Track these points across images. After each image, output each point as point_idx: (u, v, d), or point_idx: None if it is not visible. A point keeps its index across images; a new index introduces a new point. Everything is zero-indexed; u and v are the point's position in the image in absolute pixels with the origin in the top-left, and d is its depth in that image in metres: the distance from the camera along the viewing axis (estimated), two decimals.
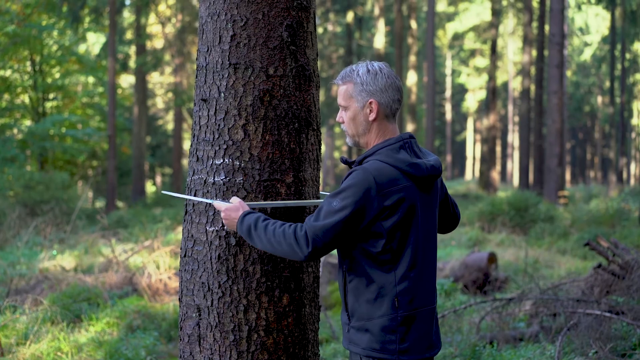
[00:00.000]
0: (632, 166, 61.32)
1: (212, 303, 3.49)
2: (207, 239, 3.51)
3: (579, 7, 55.09)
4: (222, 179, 3.48)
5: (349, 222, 3.10)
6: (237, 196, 3.45)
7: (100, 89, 32.85)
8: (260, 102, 3.47)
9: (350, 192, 3.09)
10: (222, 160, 3.48)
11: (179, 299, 3.68)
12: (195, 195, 3.58)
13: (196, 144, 3.60)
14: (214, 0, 3.55)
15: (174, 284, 10.10)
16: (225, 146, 3.48)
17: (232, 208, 3.34)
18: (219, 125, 3.50)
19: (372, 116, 3.28)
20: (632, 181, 57.26)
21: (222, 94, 3.50)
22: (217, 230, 3.48)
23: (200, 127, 3.58)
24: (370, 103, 3.27)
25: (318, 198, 3.74)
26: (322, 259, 10.52)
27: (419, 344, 3.23)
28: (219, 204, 3.40)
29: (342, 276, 3.30)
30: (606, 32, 56.10)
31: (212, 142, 3.52)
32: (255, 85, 3.47)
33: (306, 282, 3.61)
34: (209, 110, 3.54)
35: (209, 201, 3.49)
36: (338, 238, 3.12)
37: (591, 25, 64.27)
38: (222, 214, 3.36)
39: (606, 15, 55.58)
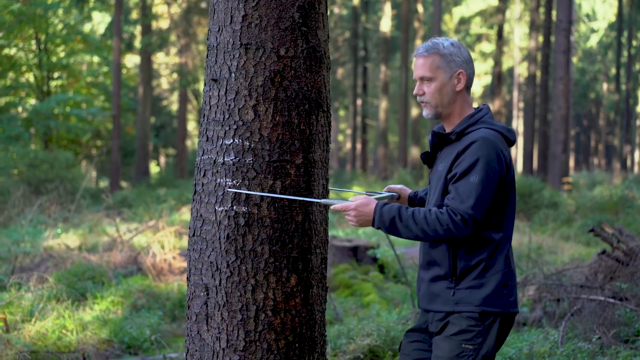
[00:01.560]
0: (636, 153, 61.24)
1: (220, 282, 3.50)
2: (216, 218, 3.52)
3: None
4: (231, 159, 3.48)
5: (490, 190, 3.33)
6: (247, 176, 3.46)
7: (105, 69, 32.82)
8: (271, 83, 3.47)
9: (482, 163, 3.32)
10: (232, 141, 3.49)
11: (187, 278, 3.70)
12: (204, 176, 3.58)
13: (206, 124, 3.60)
14: None
15: (179, 263, 10.12)
16: (235, 126, 3.48)
17: (362, 203, 3.41)
18: (229, 105, 3.50)
19: (459, 86, 3.51)
20: (636, 168, 57.22)
21: (233, 74, 3.50)
22: (226, 210, 3.49)
23: (210, 107, 3.58)
24: (459, 74, 3.50)
25: (327, 180, 3.74)
26: None
27: (517, 298, 3.52)
28: (342, 203, 3.44)
29: (448, 243, 3.44)
30: (613, 18, 55.89)
31: (222, 122, 3.52)
32: (266, 65, 3.47)
33: (314, 263, 3.63)
34: (219, 91, 3.54)
35: (327, 201, 3.52)
36: (486, 207, 3.34)
37: (598, 11, 64.01)
38: (353, 212, 3.40)
39: (613, 2, 55.38)
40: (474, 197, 3.29)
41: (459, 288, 3.42)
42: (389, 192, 3.93)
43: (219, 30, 3.57)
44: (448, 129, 3.59)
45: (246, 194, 3.45)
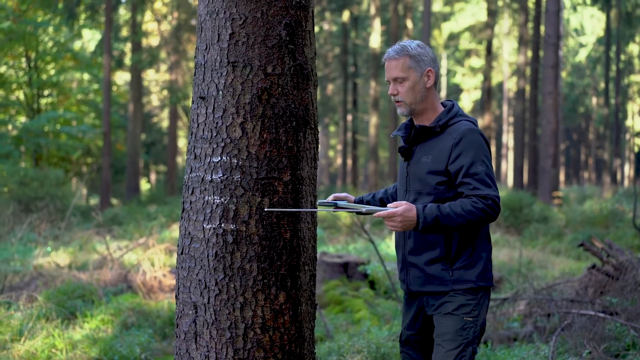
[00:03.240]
0: (626, 167, 61.43)
1: (209, 300, 3.50)
2: (204, 236, 3.52)
3: (574, 8, 55.15)
4: (219, 177, 3.49)
5: (493, 171, 3.73)
6: (235, 194, 3.47)
7: (96, 86, 32.80)
8: (259, 101, 3.48)
9: (482, 151, 3.72)
10: (219, 158, 3.50)
11: (176, 296, 3.69)
12: (192, 194, 3.59)
13: (194, 142, 3.61)
14: None
15: (169, 281, 10.09)
16: (223, 144, 3.49)
17: (406, 208, 3.59)
18: (217, 123, 3.51)
19: (429, 83, 3.84)
20: (626, 182, 57.37)
21: (221, 92, 3.51)
22: (214, 228, 3.49)
23: (198, 124, 3.59)
24: (428, 72, 3.84)
25: (315, 197, 3.76)
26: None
27: None
28: (387, 211, 3.59)
29: None
30: (601, 33, 56.14)
31: (210, 140, 3.53)
32: (253, 83, 3.48)
33: (303, 280, 3.63)
34: (207, 108, 3.55)
35: (369, 208, 3.70)
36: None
37: (586, 26, 64.29)
38: (399, 217, 3.57)
39: (601, 17, 55.64)
40: (490, 181, 3.68)
41: (454, 268, 3.76)
42: (335, 200, 4.05)
43: (206, 48, 3.58)
44: (423, 123, 3.91)
45: (234, 211, 3.46)
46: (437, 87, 3.93)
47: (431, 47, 36.07)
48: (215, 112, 3.52)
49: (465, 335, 3.72)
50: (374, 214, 3.63)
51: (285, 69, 3.53)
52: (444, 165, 3.74)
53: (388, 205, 3.64)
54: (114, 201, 31.91)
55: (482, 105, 39.61)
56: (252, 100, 3.48)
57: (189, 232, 3.59)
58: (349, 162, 43.18)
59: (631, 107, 56.98)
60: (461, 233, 3.74)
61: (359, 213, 3.91)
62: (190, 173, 3.62)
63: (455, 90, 62.96)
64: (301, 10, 3.60)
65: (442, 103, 3.96)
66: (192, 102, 3.66)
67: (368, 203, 4.23)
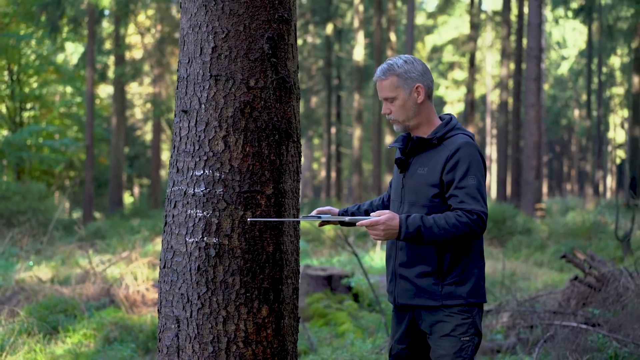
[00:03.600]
0: (609, 179, 61.76)
1: (191, 314, 3.49)
2: (186, 250, 3.51)
3: (556, 21, 55.49)
4: (202, 190, 3.49)
5: (484, 187, 3.72)
6: (217, 207, 3.47)
7: (78, 99, 32.70)
8: (241, 114, 3.48)
9: (475, 165, 3.70)
10: (202, 172, 3.49)
11: (158, 310, 3.68)
12: (175, 207, 3.58)
13: (176, 155, 3.60)
14: (195, 12, 3.57)
15: (152, 295, 10.05)
16: (205, 157, 3.49)
17: (389, 217, 3.60)
18: (199, 136, 3.51)
19: (420, 99, 3.85)
20: (609, 194, 57.66)
21: (203, 106, 3.51)
22: (196, 242, 3.49)
23: (180, 138, 3.59)
24: (417, 87, 3.84)
25: (297, 210, 3.76)
26: (301, 270, 10.51)
27: None
28: (369, 219, 3.61)
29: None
30: (583, 46, 56.53)
31: (192, 154, 3.52)
32: (236, 97, 3.48)
33: (286, 294, 3.62)
34: (189, 122, 3.55)
35: (351, 218, 3.75)
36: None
37: (568, 39, 64.76)
38: (382, 226, 3.59)
39: (583, 30, 56.01)
40: (480, 196, 3.67)
41: (445, 283, 3.76)
42: (318, 214, 4.04)
43: (188, 61, 3.58)
44: (421, 135, 3.91)
45: (216, 225, 3.45)
46: (431, 98, 3.93)
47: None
48: (198, 126, 3.52)
49: (463, 356, 3.74)
50: (357, 223, 3.65)
51: (267, 82, 3.53)
52: (438, 177, 3.75)
53: (371, 214, 3.65)
54: (97, 215, 31.76)
55: (465, 118, 39.73)
56: (234, 114, 3.48)
57: (172, 246, 3.59)
58: (333, 174, 43.21)
59: (613, 119, 57.37)
60: (453, 248, 3.74)
61: (342, 223, 3.94)
62: (173, 186, 3.62)
63: (439, 103, 63.17)
64: (283, 23, 3.61)
65: (440, 116, 3.97)
66: (175, 115, 3.66)
67: (353, 214, 4.21)
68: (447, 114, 3.97)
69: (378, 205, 4.28)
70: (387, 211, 3.64)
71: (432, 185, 3.76)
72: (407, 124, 3.89)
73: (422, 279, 3.78)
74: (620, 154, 59.47)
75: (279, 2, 3.58)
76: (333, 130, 42.45)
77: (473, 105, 35.49)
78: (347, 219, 3.75)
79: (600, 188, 54.55)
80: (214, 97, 3.49)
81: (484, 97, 59.48)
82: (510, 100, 34.51)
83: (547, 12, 53.17)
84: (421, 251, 3.78)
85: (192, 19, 3.57)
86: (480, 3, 37.42)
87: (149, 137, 46.96)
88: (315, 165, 61.11)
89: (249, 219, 3.47)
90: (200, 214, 3.49)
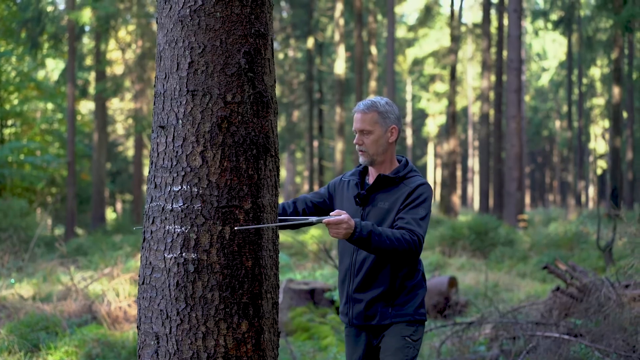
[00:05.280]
0: (590, 189, 62.09)
1: (171, 330, 3.47)
2: (165, 266, 3.50)
3: (536, 33, 55.82)
4: (180, 206, 3.47)
5: (428, 221, 4.15)
6: (196, 223, 3.46)
7: (60, 116, 32.61)
8: (219, 129, 3.47)
9: (429, 201, 4.16)
10: (180, 187, 3.48)
11: (137, 327, 3.66)
12: (153, 223, 3.57)
13: (154, 171, 3.59)
14: (171, 27, 3.56)
15: (134, 311, 10.00)
16: (183, 173, 3.48)
17: (349, 217, 3.87)
18: (176, 152, 3.50)
19: (392, 139, 4.28)
20: (591, 204, 57.96)
21: (180, 121, 3.50)
22: (175, 257, 3.47)
23: (158, 154, 3.58)
24: (392, 128, 4.28)
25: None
26: (283, 285, 10.51)
27: None
28: (334, 218, 3.86)
29: (391, 269, 4.19)
30: (563, 57, 56.95)
31: (170, 169, 3.51)
32: (213, 112, 3.48)
33: (265, 309, 3.61)
34: (166, 137, 3.54)
35: (317, 218, 3.99)
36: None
37: (548, 50, 65.24)
38: (344, 225, 3.85)
39: (563, 41, 56.46)
40: (424, 224, 4.09)
41: (394, 305, 4.20)
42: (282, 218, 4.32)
43: (165, 77, 3.58)
44: (384, 173, 4.32)
45: (194, 240, 3.44)
46: (397, 142, 4.35)
47: (395, 73, 36.27)
48: (175, 141, 3.51)
49: (406, 353, 4.17)
50: (324, 220, 3.87)
51: (244, 97, 3.53)
52: (398, 209, 4.17)
53: (331, 213, 3.93)
54: (80, 231, 31.60)
55: (447, 130, 39.87)
56: (212, 129, 3.47)
57: (150, 262, 3.57)
58: (316, 187, 43.20)
59: (594, 130, 57.70)
60: (402, 275, 4.20)
61: (309, 224, 4.12)
62: (151, 202, 3.60)
63: (421, 115, 63.45)
64: (260, 38, 3.61)
65: (397, 158, 4.40)
66: (152, 131, 3.64)
67: (294, 213, 4.50)
68: (401, 156, 4.42)
69: (309, 208, 4.56)
70: (344, 211, 3.95)
71: (394, 217, 4.18)
72: (375, 158, 4.29)
73: (375, 303, 4.21)
74: (602, 164, 59.80)
75: (255, 17, 3.59)
76: (315, 143, 42.51)
77: (454, 117, 35.62)
78: (314, 219, 3.96)
79: (583, 198, 54.84)
80: (191, 112, 3.49)
81: (465, 109, 59.77)
82: (492, 112, 34.67)
83: (527, 24, 53.58)
84: (374, 277, 4.21)
85: (169, 34, 3.57)
86: (460, 16, 37.59)
87: (130, 152, 46.85)
88: (298, 179, 61.11)
89: (236, 228, 3.46)
90: (179, 230, 3.47)
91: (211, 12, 3.51)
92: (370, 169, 4.40)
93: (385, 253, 3.96)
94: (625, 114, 40.70)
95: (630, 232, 8.83)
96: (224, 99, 3.49)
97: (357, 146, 4.33)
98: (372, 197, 4.29)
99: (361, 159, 4.32)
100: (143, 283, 3.61)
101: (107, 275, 11.96)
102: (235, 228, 3.46)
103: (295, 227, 4.33)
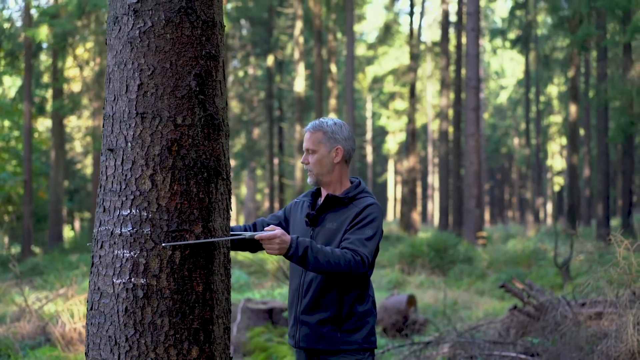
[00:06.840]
0: (548, 206, 62.73)
1: (119, 357, 3.40)
2: (113, 291, 3.43)
3: (494, 51, 56.51)
4: (129, 230, 3.41)
5: (377, 243, 4.10)
6: (145, 247, 3.40)
7: (16, 133, 32.26)
8: (169, 152, 3.43)
9: (377, 222, 4.09)
10: (129, 211, 3.42)
11: (85, 353, 3.59)
12: (102, 248, 3.51)
13: (103, 195, 3.53)
14: (121, 49, 3.51)
15: None
16: (132, 197, 3.42)
17: (282, 232, 3.80)
18: (126, 175, 3.44)
19: (337, 159, 4.23)
20: (549, 220, 58.52)
21: (129, 144, 3.44)
22: (124, 283, 3.41)
23: (107, 177, 3.52)
24: (337, 149, 4.22)
25: (229, 248, 3.71)
26: (241, 305, 10.44)
27: None
28: (267, 233, 3.78)
29: (339, 292, 4.10)
30: (521, 75, 57.59)
31: (119, 193, 3.45)
32: (163, 134, 3.43)
33: (216, 334, 3.56)
34: (115, 160, 3.48)
35: (251, 234, 3.85)
36: (373, 255, 4.07)
37: (507, 69, 66.02)
38: (277, 240, 3.77)
39: (521, 60, 57.07)
40: (370, 245, 4.01)
41: (342, 330, 4.11)
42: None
43: (114, 99, 3.52)
44: (334, 193, 4.28)
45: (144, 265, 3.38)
46: (348, 163, 4.31)
47: (355, 91, 36.34)
48: (124, 164, 3.45)
49: None
50: (256, 236, 3.78)
51: (195, 119, 3.49)
52: (344, 230, 4.11)
53: (265, 229, 3.86)
54: (37, 250, 31.20)
55: (407, 147, 40.06)
56: (161, 152, 3.42)
57: (99, 287, 3.50)
58: (276, 205, 43.11)
59: (551, 147, 58.36)
60: (351, 299, 4.11)
61: (244, 240, 4.06)
62: (100, 226, 3.54)
63: (381, 133, 63.71)
64: (211, 60, 3.57)
65: (350, 179, 4.33)
66: (102, 154, 3.59)
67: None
68: (355, 177, 4.35)
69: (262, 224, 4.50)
70: (278, 227, 3.86)
71: (340, 238, 4.10)
72: (320, 178, 4.25)
73: (322, 326, 4.12)
74: (559, 181, 60.46)
75: (206, 39, 3.55)
76: (275, 161, 42.46)
77: (414, 134, 35.82)
78: (247, 235, 3.84)
79: (541, 215, 55.35)
80: (140, 135, 3.43)
81: (425, 127, 60.18)
82: (451, 130, 34.88)
83: (486, 43, 54.14)
84: (323, 300, 4.12)
85: (118, 56, 3.52)
86: (419, 34, 37.85)
87: (89, 170, 46.40)
88: (258, 196, 60.98)
89: (164, 244, 3.40)
90: (128, 255, 3.41)
91: (161, 34, 3.47)
92: (322, 190, 4.34)
93: (327, 273, 3.89)
94: (582, 132, 41.26)
95: (587, 249, 8.91)
96: (174, 122, 3.44)
97: (304, 166, 4.31)
98: (322, 218, 4.24)
99: (308, 179, 4.31)
100: (92, 309, 3.54)
101: (62, 296, 11.78)
102: (163, 244, 3.40)
103: (245, 248, 4.23)
